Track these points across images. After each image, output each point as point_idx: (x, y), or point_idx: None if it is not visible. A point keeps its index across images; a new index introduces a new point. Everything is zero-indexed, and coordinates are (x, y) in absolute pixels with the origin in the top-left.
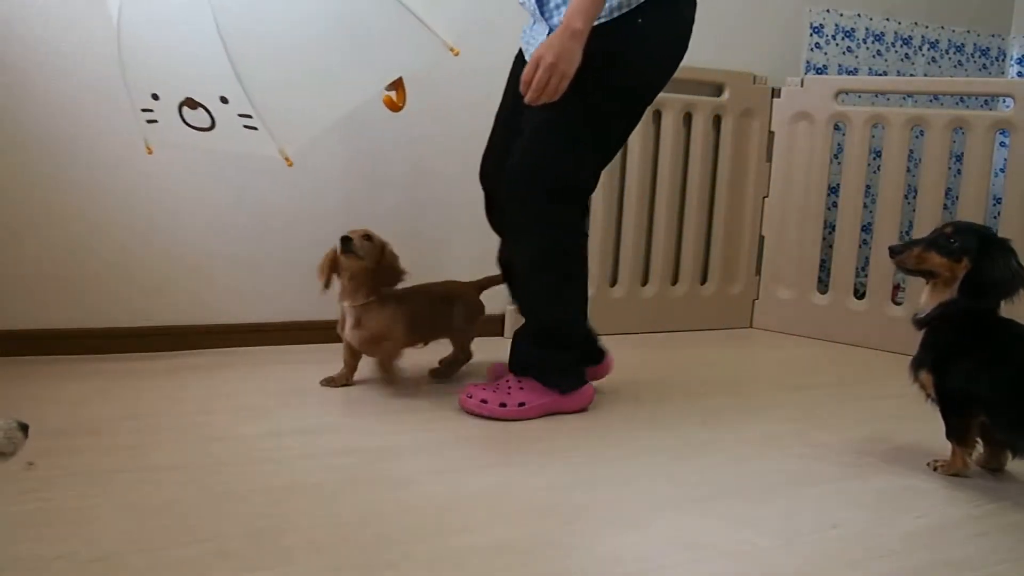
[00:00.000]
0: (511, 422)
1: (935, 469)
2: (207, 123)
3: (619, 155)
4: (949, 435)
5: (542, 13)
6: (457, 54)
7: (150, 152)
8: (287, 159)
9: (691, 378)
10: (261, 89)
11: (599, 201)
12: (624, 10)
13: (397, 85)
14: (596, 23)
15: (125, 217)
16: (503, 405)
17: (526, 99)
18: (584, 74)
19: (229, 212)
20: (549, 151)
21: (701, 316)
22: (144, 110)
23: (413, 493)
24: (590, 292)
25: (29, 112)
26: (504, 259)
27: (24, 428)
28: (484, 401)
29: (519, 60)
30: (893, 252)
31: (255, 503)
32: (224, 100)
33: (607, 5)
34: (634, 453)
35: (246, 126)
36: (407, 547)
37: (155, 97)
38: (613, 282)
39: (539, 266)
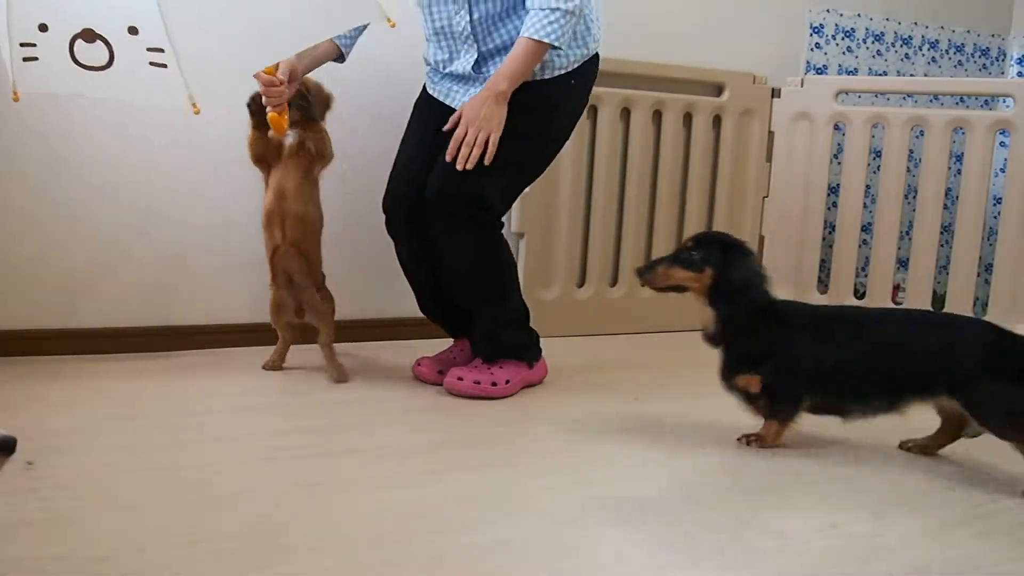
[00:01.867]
0: (511, 424)
1: (748, 444)
2: (103, 60)
3: (619, 155)
4: (775, 416)
5: (477, 71)
6: (393, 25)
7: (16, 99)
8: (195, 107)
9: (691, 378)
10: (182, 23)
11: (600, 201)
12: (562, 71)
13: (283, 110)
14: (540, 79)
15: (125, 217)
16: (494, 384)
17: (458, 164)
18: (525, 120)
19: (229, 212)
20: (482, 180)
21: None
22: (24, 44)
23: (413, 493)
24: (590, 292)
25: (29, 112)
26: (427, 306)
27: (7, 447)
28: (477, 382)
29: (427, 99)
30: (639, 274)
31: (255, 503)
32: (133, 31)
33: (553, 65)
34: (633, 453)
35: (153, 63)
36: (407, 547)
37: (43, 28)
38: (613, 282)
39: (479, 260)
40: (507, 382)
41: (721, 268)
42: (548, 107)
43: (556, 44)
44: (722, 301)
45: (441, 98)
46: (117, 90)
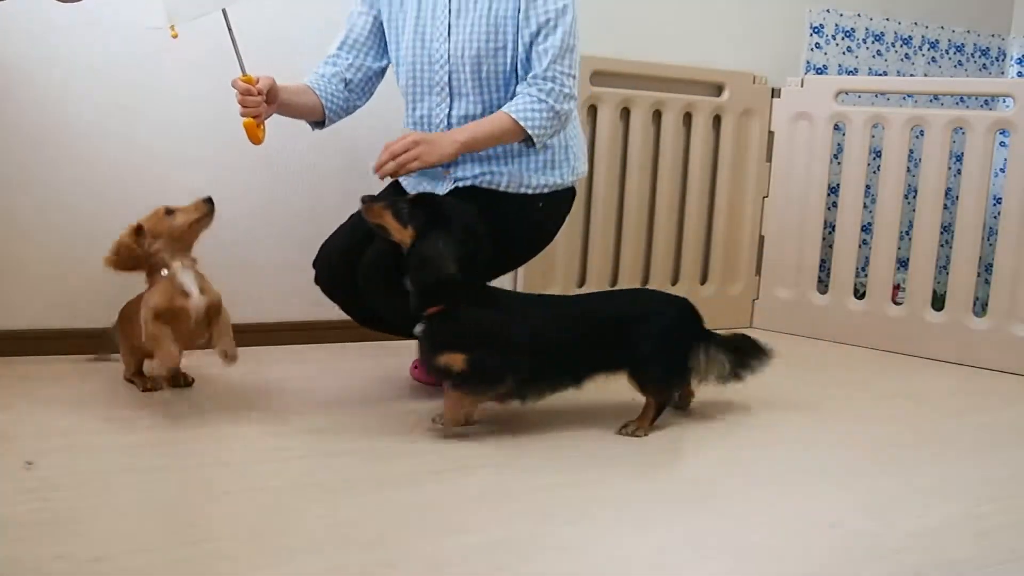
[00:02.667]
0: (511, 423)
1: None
2: None
3: (619, 155)
4: (462, 384)
5: (446, 167)
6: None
7: (175, 36)
8: (173, 31)
9: None
10: None
11: (600, 201)
12: (530, 191)
13: (260, 120)
14: (505, 190)
15: (125, 217)
16: None
17: (380, 166)
18: (516, 232)
19: (229, 212)
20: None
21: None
22: None
23: (413, 493)
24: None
25: (27, 112)
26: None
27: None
28: None
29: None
30: (363, 200)
31: (255, 503)
32: None
33: (522, 182)
34: (633, 453)
35: None
36: (407, 547)
37: None
38: (613, 282)
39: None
40: None
41: (419, 236)
42: (506, 224)
43: (531, 133)
44: (405, 267)
45: (409, 189)
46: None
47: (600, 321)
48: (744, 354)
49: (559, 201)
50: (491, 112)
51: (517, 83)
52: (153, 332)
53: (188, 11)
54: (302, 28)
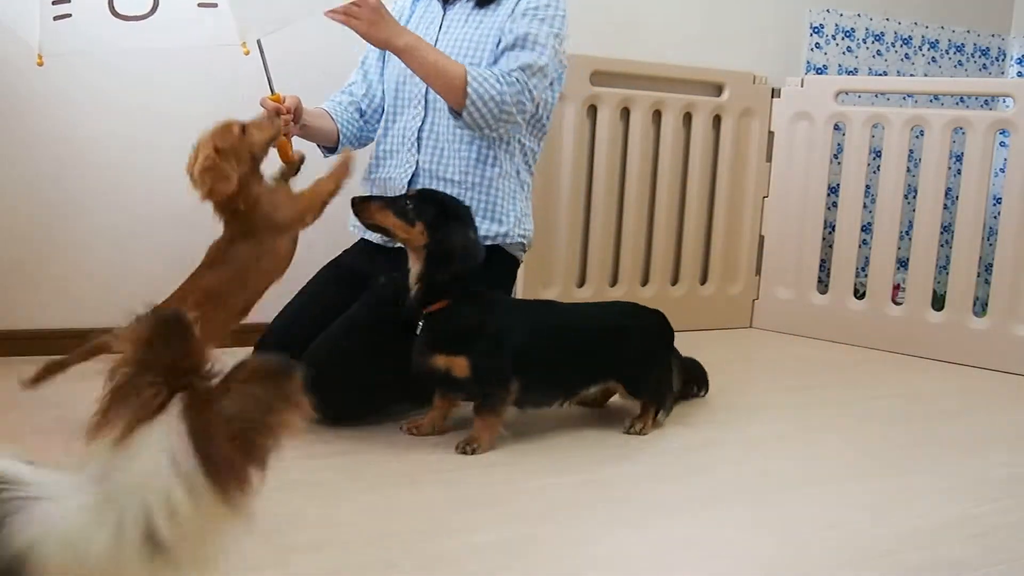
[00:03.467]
0: (510, 423)
1: (466, 452)
2: (146, 8)
3: (619, 155)
4: (486, 406)
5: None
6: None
7: (40, 64)
8: (244, 47)
9: None
10: None
11: (599, 201)
12: (492, 245)
13: (289, 138)
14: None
15: (125, 217)
16: None
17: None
18: None
19: None
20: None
21: (701, 316)
22: (57, 2)
23: (413, 493)
24: (590, 292)
25: (27, 111)
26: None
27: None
28: None
29: (353, 262)
30: (354, 202)
31: (255, 503)
32: None
33: (485, 232)
34: (633, 453)
35: (201, 3)
36: (407, 547)
37: None
38: (613, 282)
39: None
40: None
41: (435, 231)
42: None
43: (469, 95)
44: (433, 265)
45: (368, 235)
46: (156, 38)
47: (592, 333)
48: (693, 377)
49: (501, 267)
50: (462, 128)
51: None
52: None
53: (260, 27)
54: (332, 53)
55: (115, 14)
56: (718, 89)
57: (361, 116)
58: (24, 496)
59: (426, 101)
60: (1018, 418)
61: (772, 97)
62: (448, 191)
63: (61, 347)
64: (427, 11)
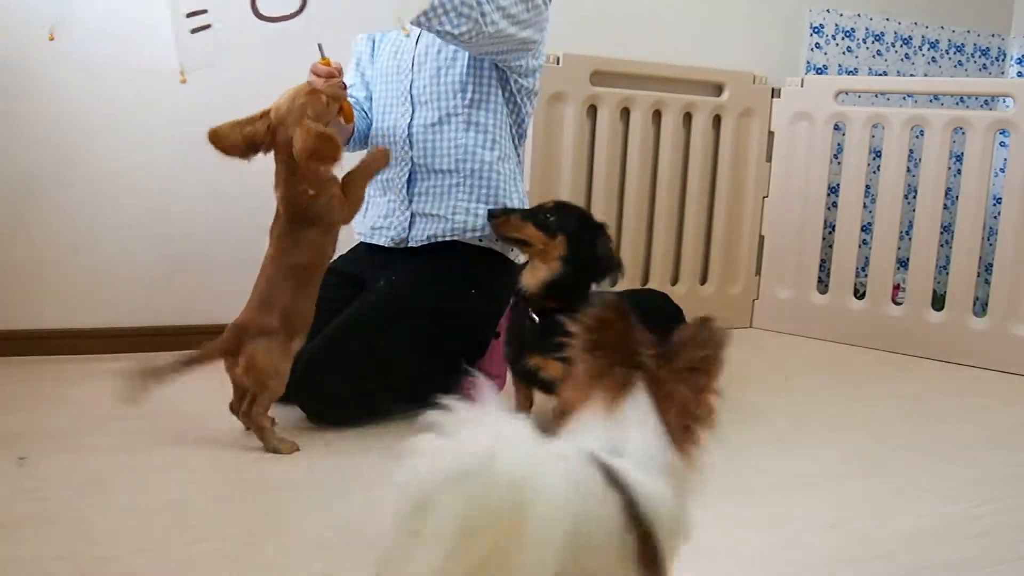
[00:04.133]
0: None
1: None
2: (295, 4)
3: (619, 155)
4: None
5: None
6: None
7: (184, 81)
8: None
9: None
10: None
11: (600, 201)
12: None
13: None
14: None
15: (125, 217)
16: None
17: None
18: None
19: (229, 212)
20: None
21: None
22: (191, 14)
23: None
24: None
25: (27, 111)
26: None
27: None
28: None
29: (359, 251)
30: (491, 215)
31: (255, 503)
32: None
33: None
34: None
35: None
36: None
37: None
38: (613, 282)
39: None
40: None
41: (574, 241)
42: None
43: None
44: (570, 275)
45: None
46: (311, 31)
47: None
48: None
49: (493, 285)
50: (448, 122)
51: (473, 91)
52: None
53: None
54: None
55: (260, 16)
56: (718, 89)
57: (366, 116)
58: (630, 475)
59: (411, 96)
60: (1018, 418)
61: (772, 97)
62: (445, 183)
63: (61, 347)
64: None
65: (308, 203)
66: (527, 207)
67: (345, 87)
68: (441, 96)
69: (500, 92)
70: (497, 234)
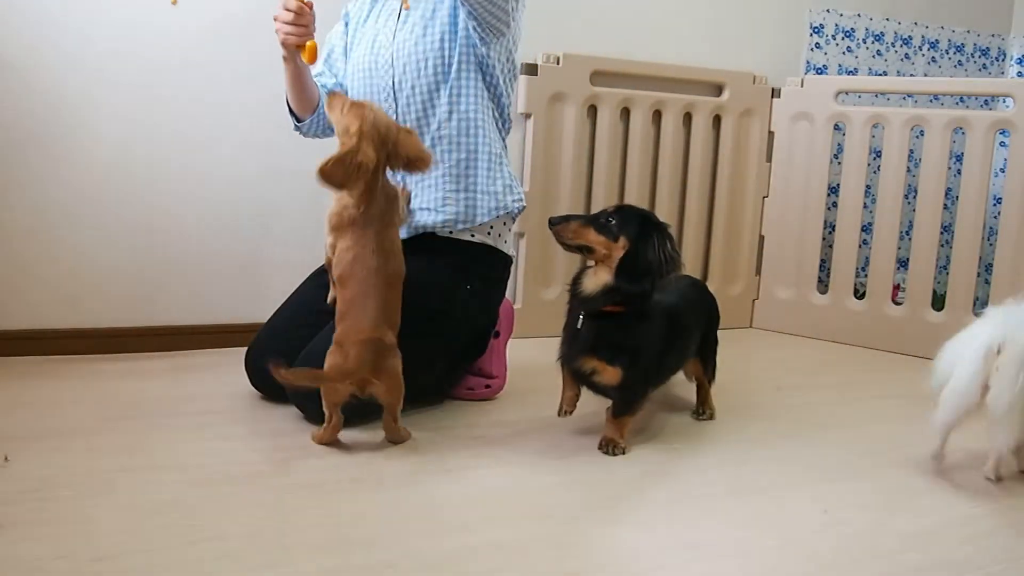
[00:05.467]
0: (511, 424)
1: (610, 452)
2: None
3: (619, 155)
4: (625, 411)
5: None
6: (407, 7)
7: (175, 2)
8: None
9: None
10: None
11: (599, 201)
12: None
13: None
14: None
15: (125, 217)
16: (487, 387)
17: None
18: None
19: (229, 212)
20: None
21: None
22: None
23: (413, 493)
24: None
25: (27, 111)
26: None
27: None
28: (470, 388)
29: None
30: (552, 223)
31: (255, 503)
32: None
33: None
34: (633, 453)
35: None
36: (407, 547)
37: None
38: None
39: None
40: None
41: (636, 244)
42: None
43: None
44: (627, 277)
45: None
46: None
47: (691, 316)
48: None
49: (490, 282)
50: (432, 113)
51: (454, 80)
52: None
53: None
54: None
55: None
56: (718, 89)
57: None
58: None
59: (394, 91)
60: None
61: (772, 97)
62: (432, 174)
63: (61, 347)
64: (386, 5)
65: (395, 208)
66: (515, 194)
67: (306, 27)
68: (423, 88)
69: (480, 79)
70: (559, 242)
